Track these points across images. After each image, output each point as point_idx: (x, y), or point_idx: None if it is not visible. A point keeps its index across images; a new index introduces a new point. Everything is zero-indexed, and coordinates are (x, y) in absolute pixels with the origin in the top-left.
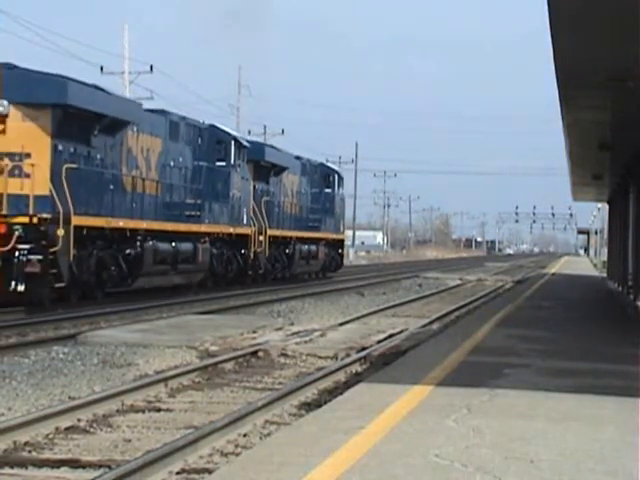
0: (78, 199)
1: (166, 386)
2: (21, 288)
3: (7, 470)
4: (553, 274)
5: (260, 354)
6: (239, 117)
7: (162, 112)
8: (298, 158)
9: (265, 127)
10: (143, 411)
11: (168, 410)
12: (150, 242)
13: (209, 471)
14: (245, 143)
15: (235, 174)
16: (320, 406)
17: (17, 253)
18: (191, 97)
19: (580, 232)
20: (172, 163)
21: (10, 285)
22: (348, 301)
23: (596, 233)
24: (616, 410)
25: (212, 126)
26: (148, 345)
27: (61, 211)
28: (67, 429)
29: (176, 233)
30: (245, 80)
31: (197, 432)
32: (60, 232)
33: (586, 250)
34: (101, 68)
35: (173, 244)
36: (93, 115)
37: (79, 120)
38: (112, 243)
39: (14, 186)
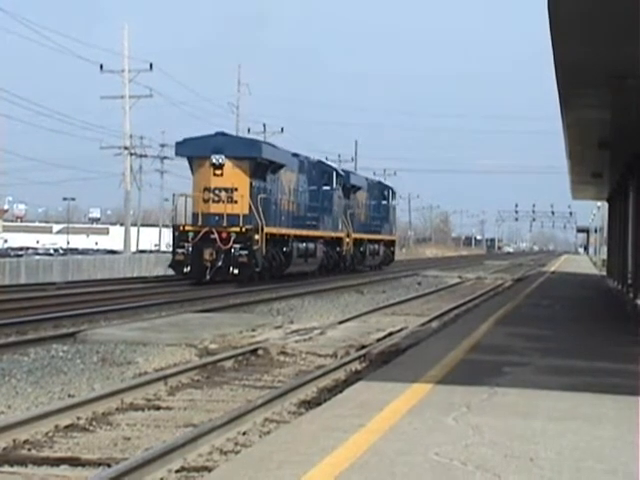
0: (265, 216)
1: (166, 384)
2: (235, 272)
3: (7, 468)
4: (553, 272)
5: (260, 352)
6: (238, 115)
7: (295, 155)
8: (366, 179)
9: (265, 126)
10: (143, 409)
11: (168, 408)
12: (295, 243)
13: (208, 469)
14: (341, 172)
15: (335, 194)
16: (320, 404)
17: (233, 250)
18: (190, 95)
19: (580, 230)
20: (300, 189)
21: (229, 270)
22: (348, 299)
23: (596, 231)
24: (615, 408)
25: (320, 161)
26: (147, 343)
27: (259, 224)
28: (67, 427)
29: (306, 237)
30: (245, 79)
31: (196, 430)
32: (257, 237)
33: (586, 248)
34: (101, 66)
35: (304, 244)
36: (268, 162)
37: (262, 166)
38: (277, 243)
39: (230, 209)
